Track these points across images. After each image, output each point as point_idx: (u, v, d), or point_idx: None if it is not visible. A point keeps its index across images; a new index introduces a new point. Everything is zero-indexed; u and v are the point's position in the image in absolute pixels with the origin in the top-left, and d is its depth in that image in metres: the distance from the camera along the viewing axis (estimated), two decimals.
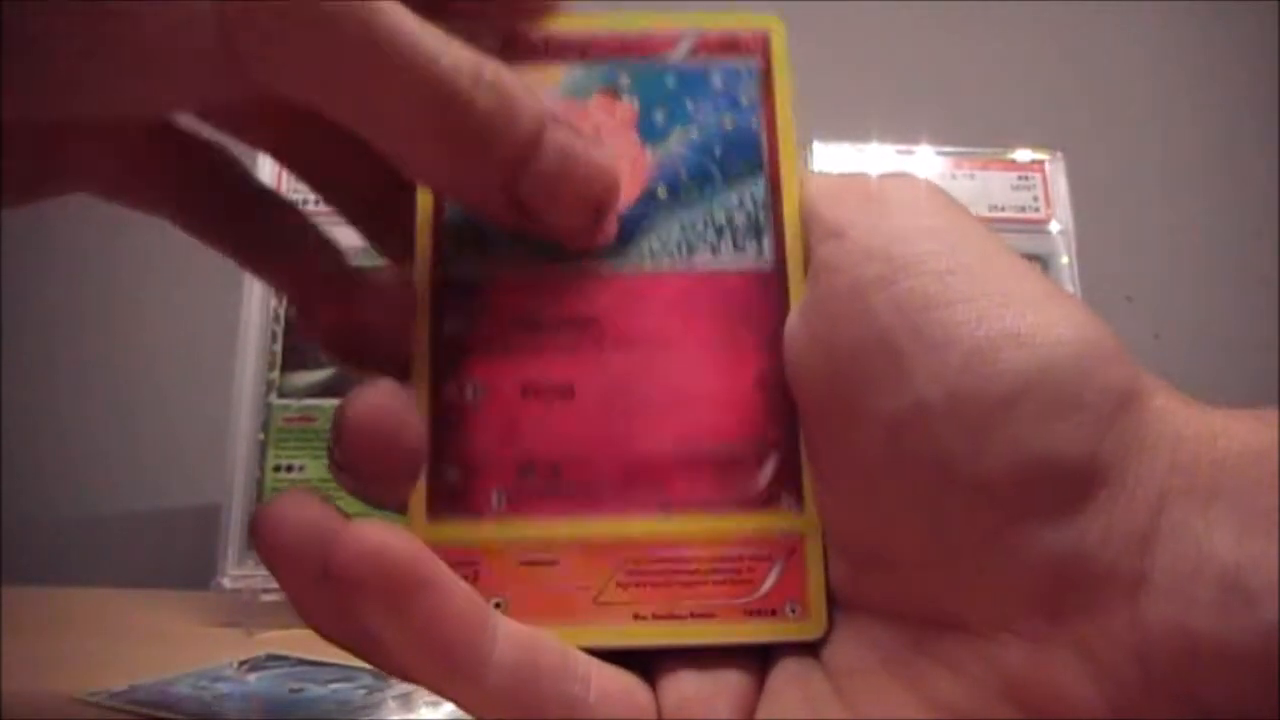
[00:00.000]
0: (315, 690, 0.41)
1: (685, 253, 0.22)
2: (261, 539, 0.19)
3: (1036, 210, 0.64)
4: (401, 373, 0.21)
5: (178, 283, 0.79)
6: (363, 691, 0.40)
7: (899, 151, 0.65)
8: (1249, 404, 0.19)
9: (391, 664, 0.19)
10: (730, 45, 0.23)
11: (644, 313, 0.22)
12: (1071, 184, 0.65)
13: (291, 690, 0.41)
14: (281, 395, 0.58)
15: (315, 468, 0.57)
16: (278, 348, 0.59)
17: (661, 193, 0.22)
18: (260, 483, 0.57)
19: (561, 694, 0.19)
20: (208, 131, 0.25)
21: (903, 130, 0.65)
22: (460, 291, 0.22)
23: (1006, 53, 0.83)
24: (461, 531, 0.21)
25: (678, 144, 0.23)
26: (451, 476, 0.21)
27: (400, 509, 0.21)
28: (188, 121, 0.25)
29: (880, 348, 0.19)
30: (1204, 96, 0.83)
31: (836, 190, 0.22)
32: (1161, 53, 0.84)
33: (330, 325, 0.22)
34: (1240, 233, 0.81)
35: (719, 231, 0.22)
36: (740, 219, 0.22)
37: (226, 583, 0.54)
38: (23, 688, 0.39)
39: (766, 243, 0.22)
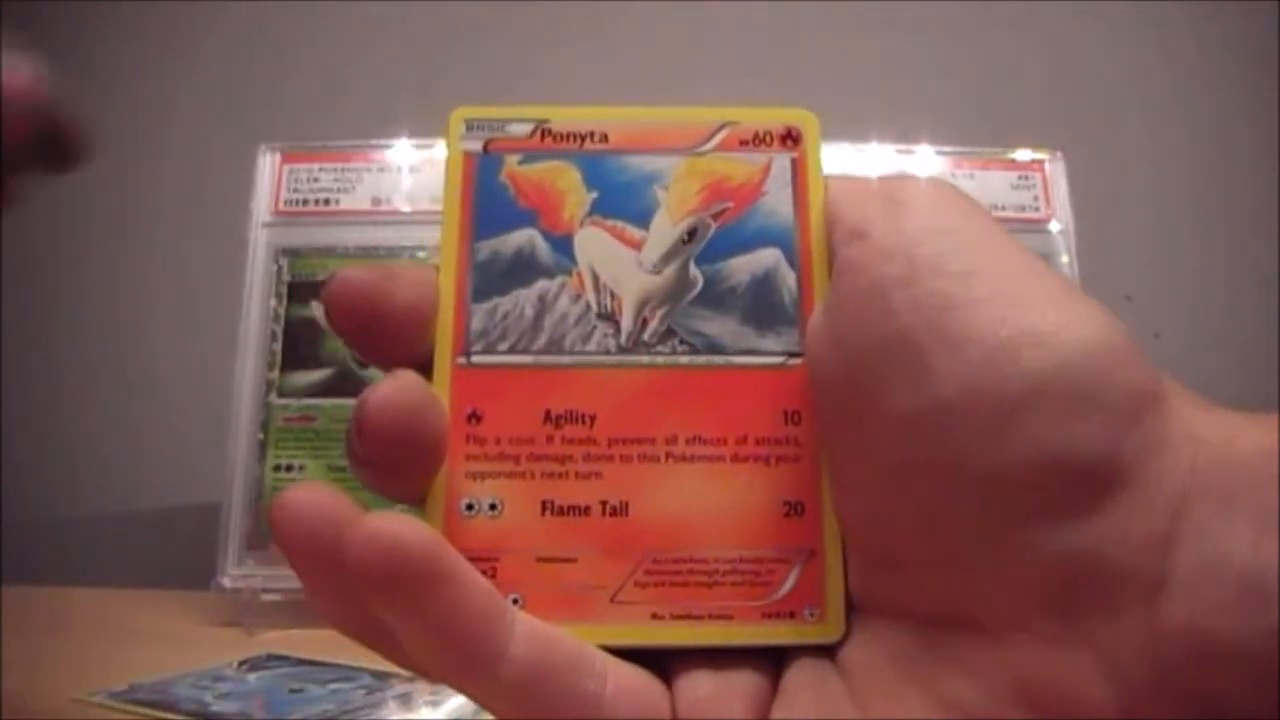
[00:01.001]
0: (315, 690, 0.41)
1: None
2: (277, 529, 0.19)
3: (1036, 210, 0.64)
4: (423, 370, 0.21)
5: (178, 283, 0.79)
6: (363, 691, 0.40)
7: (899, 151, 0.65)
8: (1248, 404, 0.19)
9: (405, 658, 0.19)
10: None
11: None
12: (1071, 184, 0.65)
13: (291, 690, 0.41)
14: (281, 395, 0.58)
15: (315, 468, 0.57)
16: (278, 348, 0.59)
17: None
18: (260, 483, 0.57)
19: (577, 690, 0.19)
20: None
21: (903, 130, 0.65)
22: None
23: (1006, 53, 0.83)
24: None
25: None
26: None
27: (418, 505, 0.21)
28: None
29: (901, 346, 0.19)
30: (1204, 96, 0.83)
31: (859, 193, 0.22)
32: (1161, 53, 0.84)
33: (355, 324, 0.21)
34: (1239, 233, 0.81)
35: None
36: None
37: (226, 583, 0.54)
38: (23, 687, 0.39)
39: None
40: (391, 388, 0.20)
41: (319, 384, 0.58)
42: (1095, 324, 0.18)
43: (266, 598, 0.53)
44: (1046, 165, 0.65)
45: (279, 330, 0.59)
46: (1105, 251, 0.66)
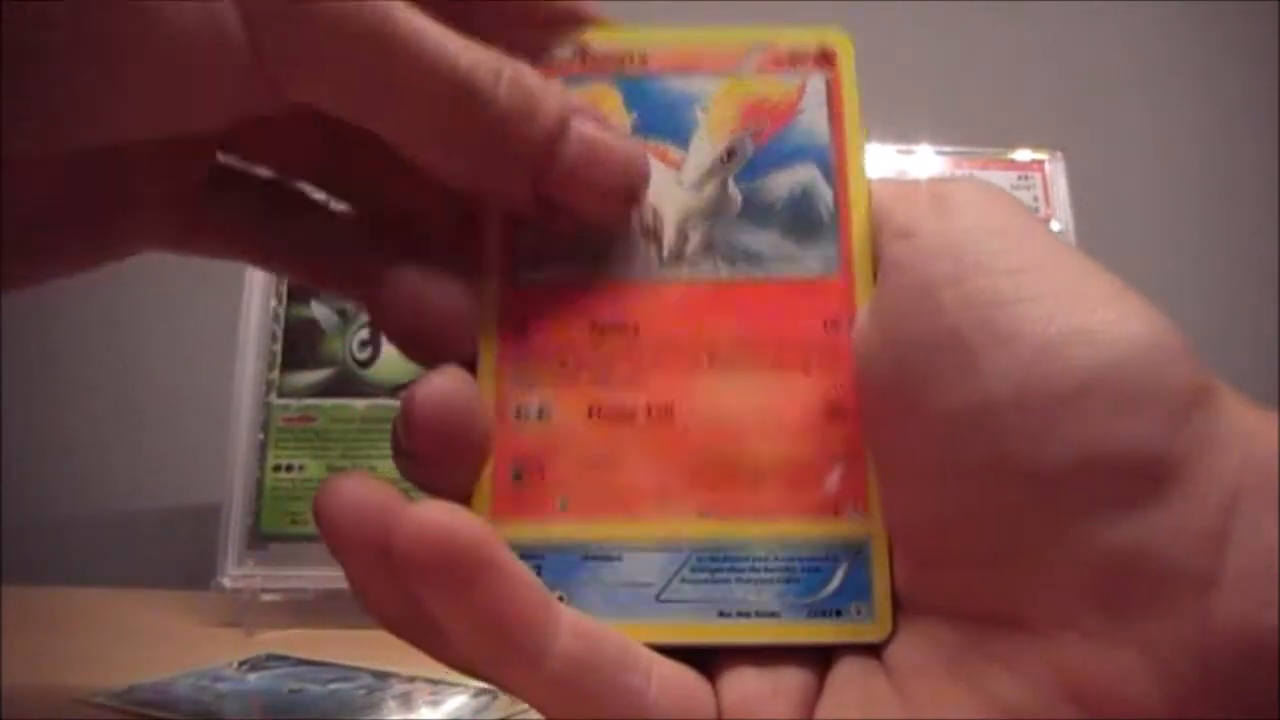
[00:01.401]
0: (315, 690, 0.41)
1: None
2: (323, 518, 0.19)
3: (1036, 210, 0.64)
4: (468, 368, 0.21)
5: (178, 282, 0.79)
6: (363, 691, 0.40)
7: (899, 151, 0.65)
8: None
9: (451, 653, 0.19)
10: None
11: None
12: (1071, 184, 0.65)
13: (291, 690, 0.41)
14: (281, 395, 0.58)
15: (315, 468, 0.57)
16: (278, 348, 0.59)
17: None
18: (260, 483, 0.57)
19: (622, 686, 0.19)
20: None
21: (903, 130, 0.65)
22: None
23: (1006, 53, 0.83)
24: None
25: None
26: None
27: (463, 499, 0.21)
28: (242, 165, 0.25)
29: (949, 343, 0.19)
30: (1204, 96, 0.83)
31: (905, 194, 0.22)
32: (1161, 53, 0.84)
33: (403, 324, 0.22)
34: (1240, 233, 0.81)
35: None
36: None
37: (226, 583, 0.54)
38: (23, 687, 0.39)
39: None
40: (439, 381, 0.20)
41: (319, 384, 0.58)
42: (1145, 321, 0.18)
43: (266, 598, 0.53)
44: (1046, 165, 0.65)
45: (279, 330, 0.59)
46: (1105, 251, 0.66)
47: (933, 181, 0.22)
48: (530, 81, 0.20)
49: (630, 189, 0.22)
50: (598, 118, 0.21)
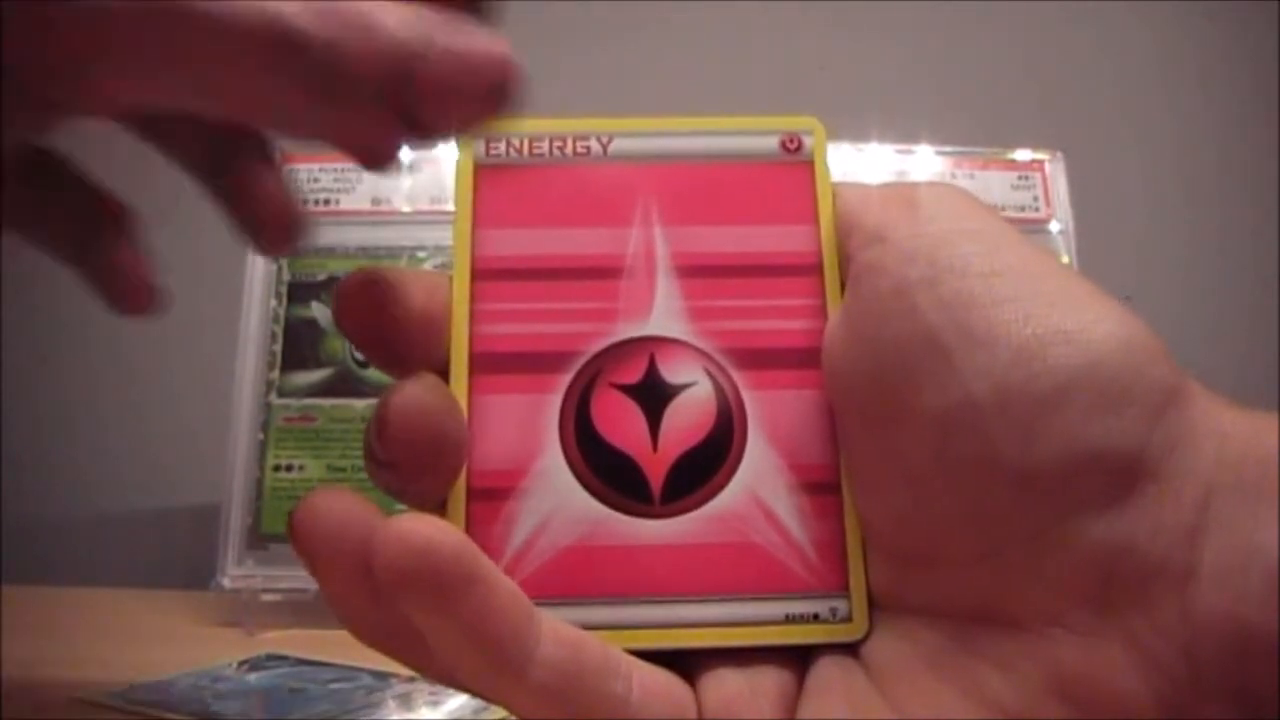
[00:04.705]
0: (315, 690, 0.41)
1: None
2: (301, 536, 0.19)
3: (1036, 210, 0.64)
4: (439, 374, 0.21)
5: (178, 283, 0.79)
6: (363, 691, 0.40)
7: (899, 151, 0.65)
8: (1248, 404, 0.19)
9: (433, 665, 0.19)
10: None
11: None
12: (1071, 184, 0.65)
13: (291, 690, 0.41)
14: (281, 395, 0.58)
15: (315, 468, 0.57)
16: (278, 348, 0.59)
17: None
18: (260, 483, 0.57)
19: (604, 692, 0.19)
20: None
21: (903, 130, 0.65)
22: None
23: (1006, 53, 0.83)
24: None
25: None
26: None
27: (436, 510, 0.21)
28: None
29: (927, 346, 0.19)
30: (1204, 96, 0.83)
31: (875, 198, 0.22)
32: (1161, 53, 0.84)
33: (366, 327, 0.21)
34: (1239, 232, 0.81)
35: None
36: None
37: (226, 583, 0.54)
38: (23, 687, 0.39)
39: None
40: (413, 390, 0.20)
41: (319, 384, 0.58)
42: (1120, 322, 0.19)
43: (266, 598, 0.53)
44: (1046, 165, 0.65)
45: (279, 330, 0.59)
46: (1105, 251, 0.66)
47: (901, 185, 0.22)
48: (355, 7, 0.17)
49: (502, 88, 0.19)
50: (451, 20, 0.18)
